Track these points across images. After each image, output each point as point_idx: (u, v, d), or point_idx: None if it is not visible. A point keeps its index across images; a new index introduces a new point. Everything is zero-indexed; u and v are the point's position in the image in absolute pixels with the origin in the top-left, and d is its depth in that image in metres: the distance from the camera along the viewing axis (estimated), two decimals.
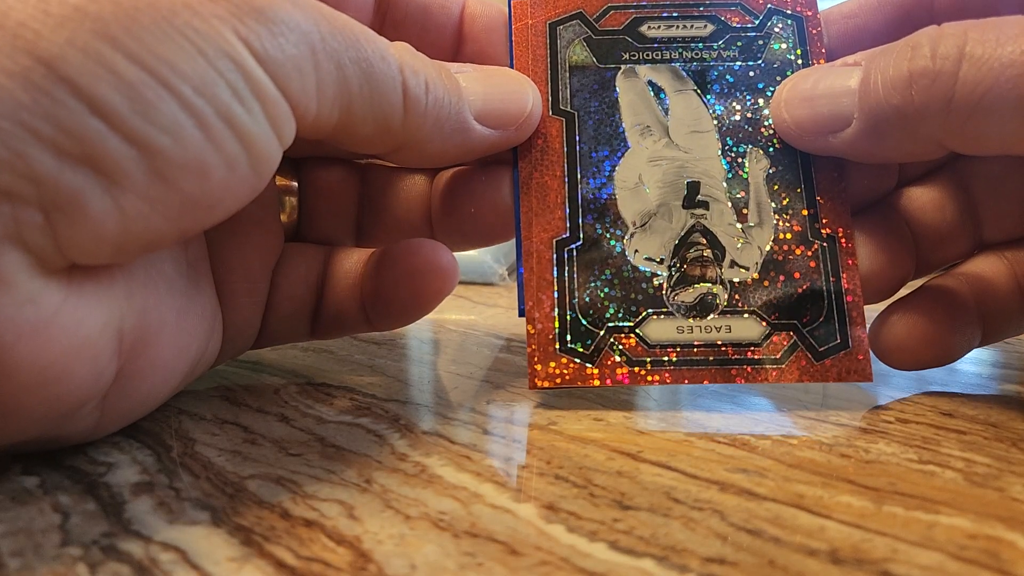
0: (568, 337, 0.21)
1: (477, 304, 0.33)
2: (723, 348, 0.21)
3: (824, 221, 0.22)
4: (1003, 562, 0.14)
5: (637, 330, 0.21)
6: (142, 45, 0.14)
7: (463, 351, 0.26)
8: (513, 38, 0.23)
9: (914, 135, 0.19)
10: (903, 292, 0.23)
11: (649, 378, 0.21)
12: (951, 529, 0.15)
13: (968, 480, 0.17)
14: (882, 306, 0.23)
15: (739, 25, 0.24)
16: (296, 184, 0.24)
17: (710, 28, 0.24)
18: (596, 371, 0.21)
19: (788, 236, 0.22)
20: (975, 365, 0.26)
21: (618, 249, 0.22)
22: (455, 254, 0.23)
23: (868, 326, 0.22)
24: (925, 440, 0.19)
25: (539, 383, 0.21)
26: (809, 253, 0.22)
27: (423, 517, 0.15)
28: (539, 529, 0.15)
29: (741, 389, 0.22)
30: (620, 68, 0.23)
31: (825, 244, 0.22)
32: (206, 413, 0.21)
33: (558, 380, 0.21)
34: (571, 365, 0.21)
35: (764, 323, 0.21)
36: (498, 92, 0.21)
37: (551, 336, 0.21)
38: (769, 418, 0.20)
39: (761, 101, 0.23)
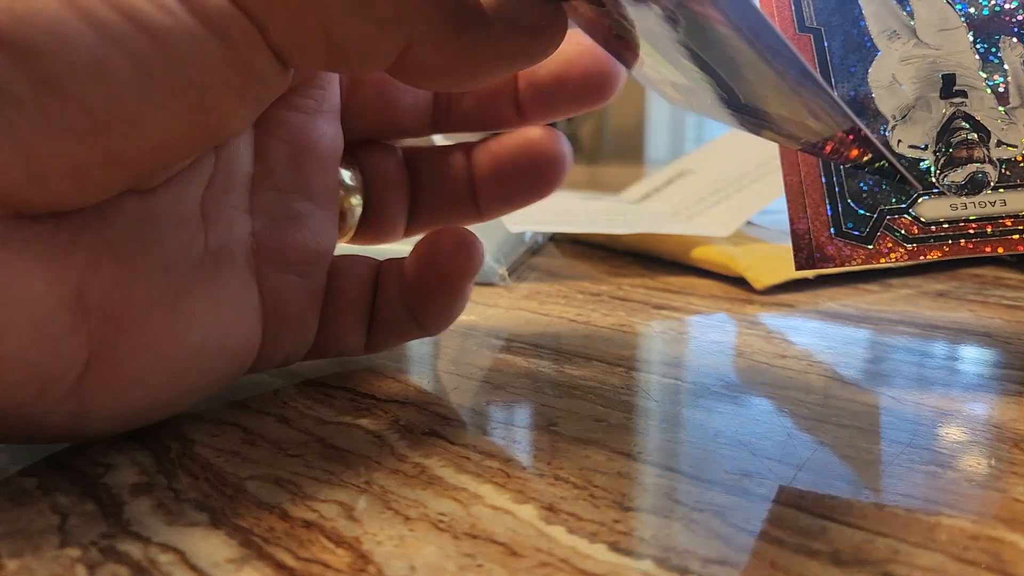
0: (843, 222, 0.22)
1: (477, 304, 0.32)
2: (1002, 220, 0.22)
3: None
4: (1005, 563, 0.13)
5: (911, 210, 0.22)
6: None
7: (463, 351, 0.26)
8: None
9: None
10: None
11: (930, 254, 0.22)
12: (953, 530, 0.15)
13: (970, 481, 0.17)
14: None
15: None
16: (361, 178, 0.24)
17: None
18: (873, 250, 0.22)
19: None
20: (976, 365, 0.26)
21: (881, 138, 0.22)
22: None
23: None
24: (926, 440, 0.19)
25: (814, 267, 0.22)
26: None
27: (423, 518, 0.15)
28: (539, 530, 0.15)
29: (742, 389, 0.22)
30: None
31: None
32: (205, 414, 0.21)
33: (836, 262, 0.22)
34: (847, 247, 0.22)
35: None
36: None
37: (824, 221, 0.22)
38: (770, 419, 0.20)
39: None
